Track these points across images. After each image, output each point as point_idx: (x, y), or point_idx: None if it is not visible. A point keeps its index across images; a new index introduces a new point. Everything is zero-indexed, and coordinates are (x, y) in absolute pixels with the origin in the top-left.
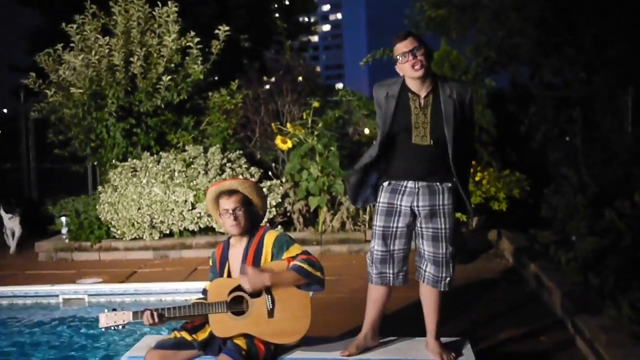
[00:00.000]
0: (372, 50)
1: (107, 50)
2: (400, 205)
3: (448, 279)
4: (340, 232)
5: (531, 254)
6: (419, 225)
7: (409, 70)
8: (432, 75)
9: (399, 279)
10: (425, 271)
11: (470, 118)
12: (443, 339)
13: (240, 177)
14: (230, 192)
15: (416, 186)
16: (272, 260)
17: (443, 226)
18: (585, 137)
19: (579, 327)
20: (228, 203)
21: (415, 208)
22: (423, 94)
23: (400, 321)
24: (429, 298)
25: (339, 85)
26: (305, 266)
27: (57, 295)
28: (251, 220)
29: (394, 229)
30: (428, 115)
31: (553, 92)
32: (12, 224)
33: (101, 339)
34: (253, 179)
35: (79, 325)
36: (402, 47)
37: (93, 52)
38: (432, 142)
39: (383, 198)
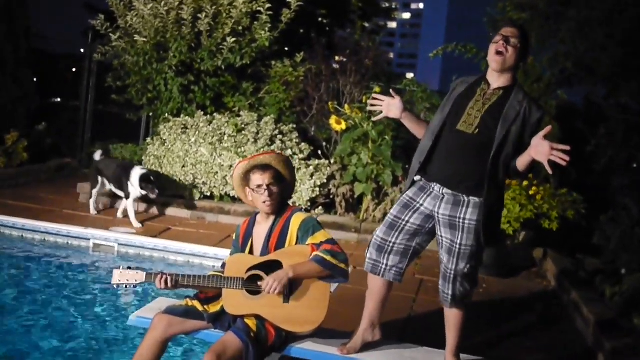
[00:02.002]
0: (449, 42)
1: (177, 3)
2: (421, 205)
3: (454, 297)
4: (381, 223)
5: (575, 280)
6: (438, 232)
7: (491, 53)
8: (513, 77)
9: (391, 274)
10: (439, 284)
11: (526, 140)
12: (464, 357)
13: (292, 150)
14: (265, 167)
15: (441, 192)
16: (296, 243)
17: (459, 241)
18: None
19: None
20: (262, 178)
21: (436, 214)
22: (494, 86)
23: (426, 327)
24: (447, 312)
25: (410, 75)
26: (329, 258)
27: (89, 239)
28: (282, 197)
29: (403, 223)
30: (487, 106)
31: (627, 115)
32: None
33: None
34: (284, 154)
35: (104, 272)
36: (504, 30)
37: (163, 3)
38: (475, 131)
39: (409, 192)
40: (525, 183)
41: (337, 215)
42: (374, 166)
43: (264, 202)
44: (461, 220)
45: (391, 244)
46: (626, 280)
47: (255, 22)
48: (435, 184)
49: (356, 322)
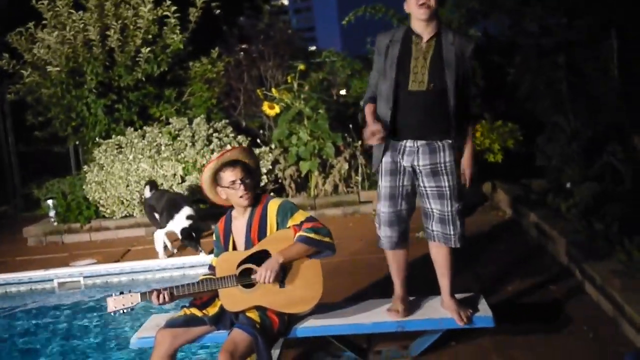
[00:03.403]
0: (343, 9)
1: (81, 25)
2: (403, 164)
3: (457, 235)
4: (333, 195)
5: (529, 203)
6: (421, 184)
7: (414, 8)
8: (438, 21)
9: (405, 242)
10: (432, 230)
11: (469, 74)
12: (457, 296)
13: (231, 145)
14: (234, 163)
15: (415, 145)
16: (277, 229)
17: (446, 184)
18: (570, 83)
19: (588, 273)
20: (234, 174)
21: (417, 167)
22: (426, 37)
23: (411, 278)
24: (440, 256)
25: (312, 48)
26: (312, 235)
27: (52, 280)
28: (254, 188)
29: (401, 188)
30: (428, 60)
31: (534, 39)
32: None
33: (99, 321)
34: (246, 146)
35: (76, 309)
36: None
37: (67, 28)
38: (429, 86)
39: (386, 157)
40: None
41: (289, 198)
42: (314, 142)
43: (241, 197)
44: (442, 165)
45: (399, 212)
46: (576, 192)
47: (165, 27)
48: (405, 140)
49: (337, 291)
